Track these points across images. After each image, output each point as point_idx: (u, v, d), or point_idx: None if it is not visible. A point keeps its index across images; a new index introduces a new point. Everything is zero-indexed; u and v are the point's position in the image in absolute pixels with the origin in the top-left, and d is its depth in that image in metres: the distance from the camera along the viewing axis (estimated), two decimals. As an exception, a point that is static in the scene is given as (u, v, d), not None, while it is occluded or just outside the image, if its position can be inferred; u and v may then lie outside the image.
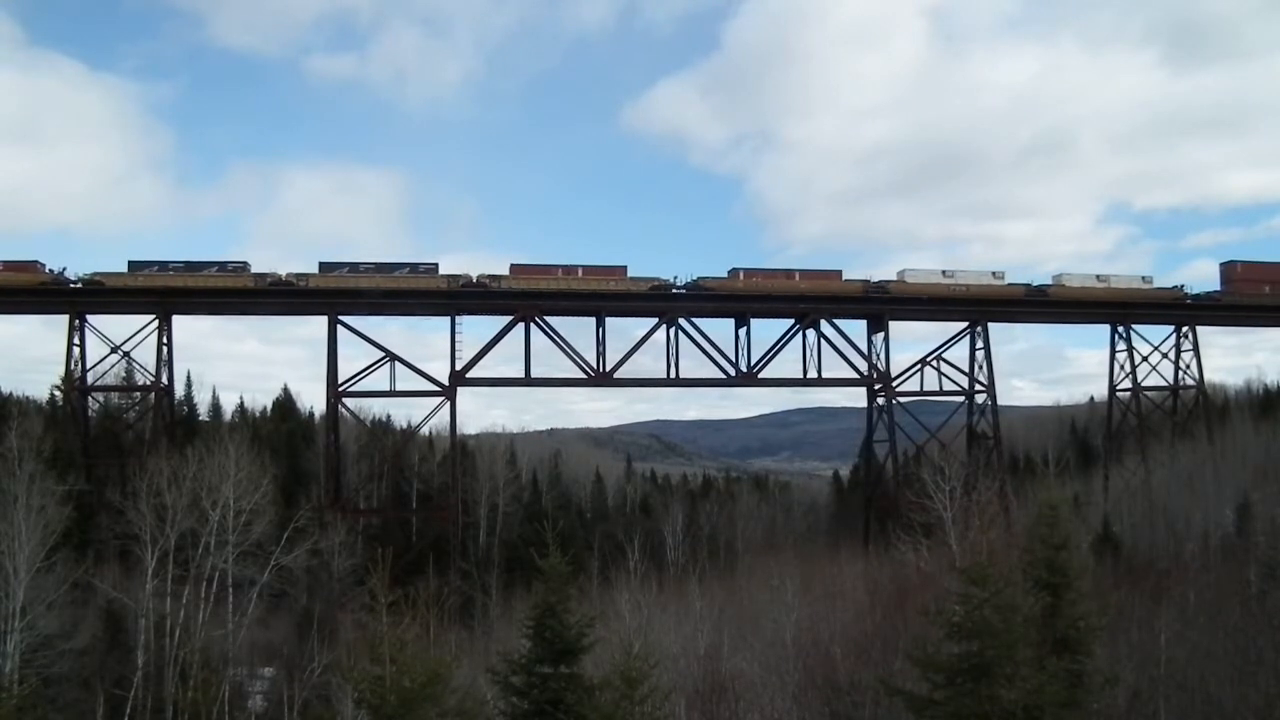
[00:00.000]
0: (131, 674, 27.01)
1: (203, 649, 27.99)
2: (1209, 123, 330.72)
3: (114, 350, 55.45)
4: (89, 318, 55.32)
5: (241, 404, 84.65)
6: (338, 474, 58.91)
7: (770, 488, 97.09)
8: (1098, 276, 65.48)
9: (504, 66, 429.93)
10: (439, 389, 56.86)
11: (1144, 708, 19.78)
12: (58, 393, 57.85)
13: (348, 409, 58.50)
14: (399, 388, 57.19)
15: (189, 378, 75.08)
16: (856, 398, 67.27)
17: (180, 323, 58.53)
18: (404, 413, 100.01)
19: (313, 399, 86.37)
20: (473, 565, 56.47)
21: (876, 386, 62.49)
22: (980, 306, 62.89)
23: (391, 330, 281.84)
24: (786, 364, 68.95)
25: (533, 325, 57.20)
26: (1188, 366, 66.41)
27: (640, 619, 26.56)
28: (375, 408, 71.98)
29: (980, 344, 62.67)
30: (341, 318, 56.26)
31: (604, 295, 58.40)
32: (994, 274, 63.64)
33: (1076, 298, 64.35)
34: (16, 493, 26.42)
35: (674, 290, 58.98)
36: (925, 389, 63.69)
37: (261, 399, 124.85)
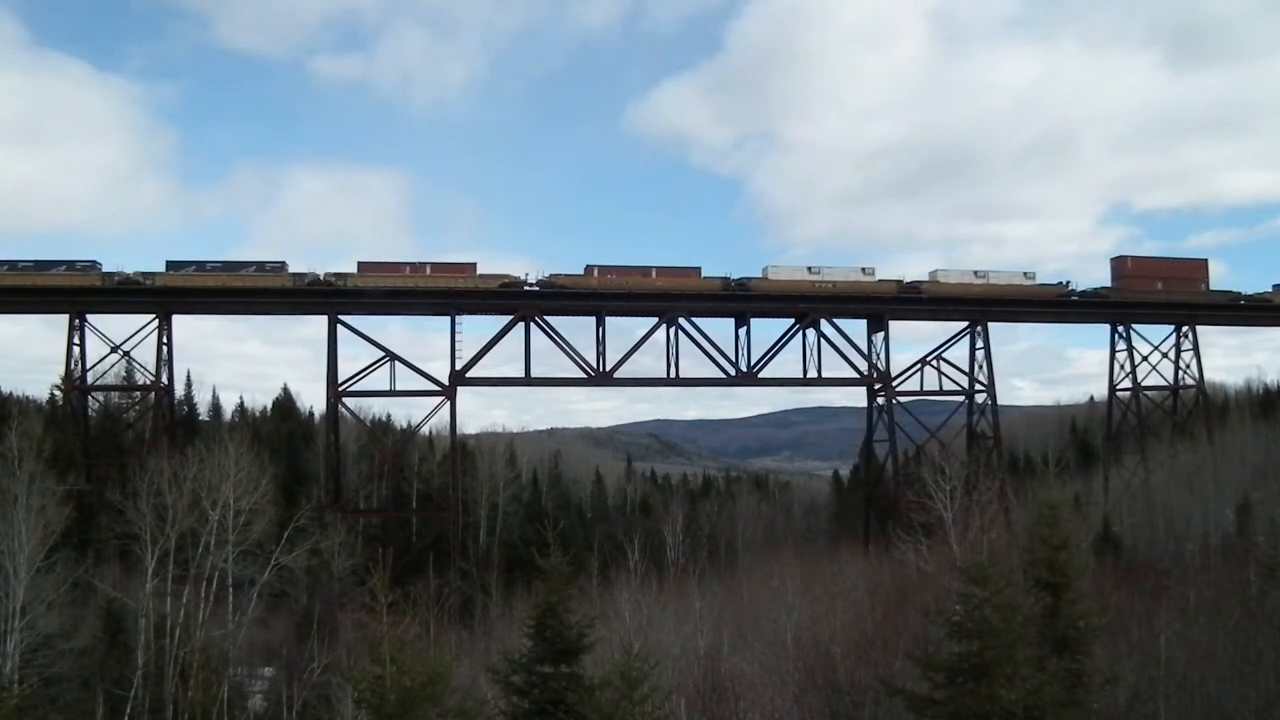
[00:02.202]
0: (131, 674, 27.00)
1: (203, 649, 27.93)
2: (1210, 124, 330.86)
3: (114, 350, 55.53)
4: (89, 318, 55.32)
5: (241, 404, 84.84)
6: (338, 474, 58.91)
7: (770, 488, 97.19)
8: (975, 272, 63.80)
9: (508, 67, 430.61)
10: (439, 389, 56.86)
11: (1144, 708, 19.76)
12: (58, 393, 57.80)
13: (348, 409, 58.51)
14: (399, 387, 57.25)
15: (189, 378, 75.36)
16: (856, 398, 67.42)
17: (181, 322, 58.58)
18: (404, 413, 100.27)
19: (313, 399, 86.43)
20: (473, 565, 56.50)
21: (876, 386, 62.50)
22: (980, 307, 62.89)
23: (393, 330, 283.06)
24: (786, 364, 68.98)
25: (533, 325, 57.21)
26: (1188, 366, 66.49)
27: (640, 619, 26.56)
28: (375, 408, 72.22)
29: (980, 344, 62.72)
30: (341, 317, 56.27)
31: (454, 293, 56.80)
32: (863, 269, 62.14)
33: (950, 294, 62.60)
34: (16, 493, 26.40)
35: (527, 288, 57.72)
36: (925, 389, 63.70)
37: (262, 399, 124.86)
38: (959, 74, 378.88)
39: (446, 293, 57.18)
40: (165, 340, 55.12)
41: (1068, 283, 65.71)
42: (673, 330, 58.93)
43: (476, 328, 67.06)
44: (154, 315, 54.88)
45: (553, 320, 57.92)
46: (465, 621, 45.16)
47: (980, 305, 62.83)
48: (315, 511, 47.12)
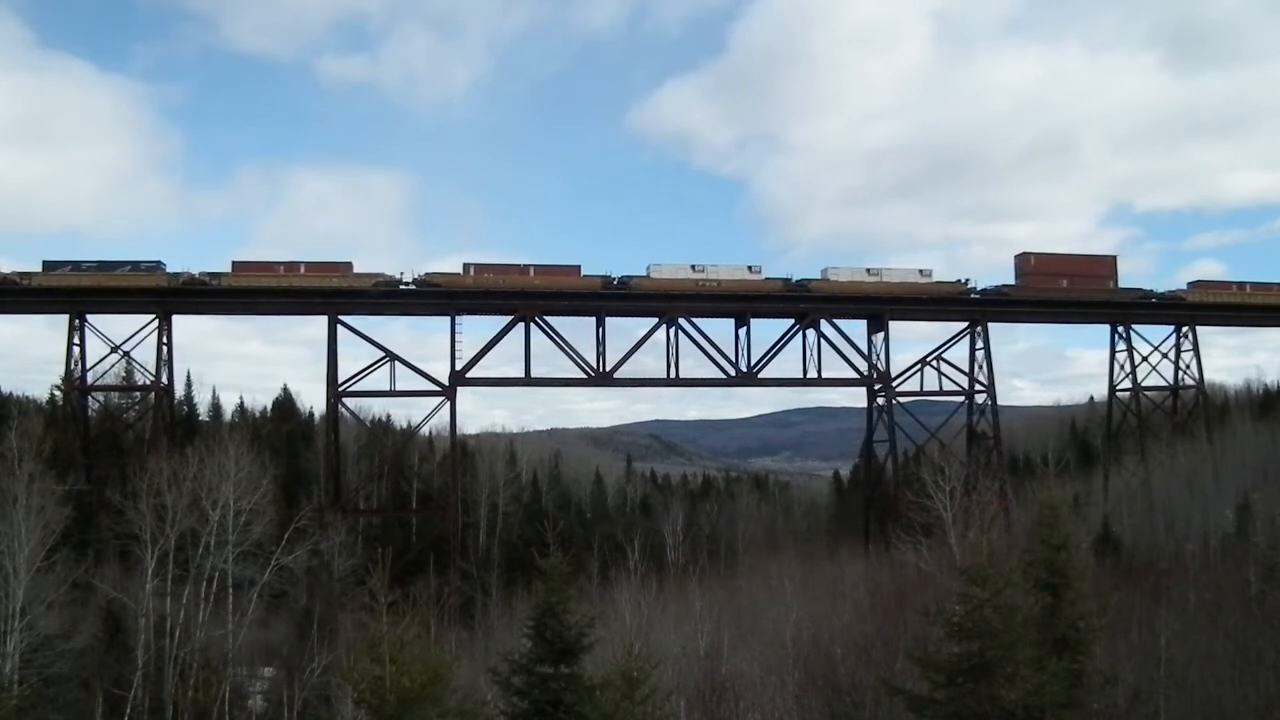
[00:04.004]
0: (131, 674, 26.97)
1: (203, 649, 27.94)
2: (1211, 125, 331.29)
3: (114, 350, 55.47)
4: (89, 318, 55.31)
5: (241, 404, 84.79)
6: (338, 474, 58.86)
7: (770, 488, 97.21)
8: (868, 270, 62.24)
9: (513, 69, 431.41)
10: (439, 389, 56.83)
11: (1144, 708, 19.77)
12: (58, 393, 57.80)
13: (348, 409, 58.47)
14: (399, 388, 57.13)
15: (189, 378, 75.28)
16: (856, 398, 67.26)
17: (183, 323, 58.44)
18: (404, 413, 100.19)
19: (313, 399, 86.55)
20: (473, 565, 56.45)
21: (876, 386, 62.47)
22: (980, 307, 62.85)
23: (393, 330, 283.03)
24: (786, 364, 69.06)
25: (533, 325, 57.19)
26: (1188, 366, 66.42)
27: (640, 619, 26.54)
28: (375, 408, 72.07)
29: (980, 344, 62.68)
30: (341, 318, 56.25)
31: (329, 292, 56.07)
32: (750, 268, 60.41)
33: (840, 292, 60.75)
34: (16, 493, 26.34)
35: (401, 286, 56.87)
36: (925, 389, 63.63)
37: (262, 399, 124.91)
38: (961, 75, 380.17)
39: (447, 293, 57.16)
40: (165, 340, 55.09)
41: (967, 280, 63.71)
42: (673, 330, 58.93)
43: (477, 328, 67.26)
44: (154, 315, 54.87)
45: (553, 320, 57.93)
46: (465, 621, 45.15)
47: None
48: (315, 512, 47.09)
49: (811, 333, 61.05)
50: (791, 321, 61.09)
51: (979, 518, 29.14)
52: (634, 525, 63.80)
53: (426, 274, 57.20)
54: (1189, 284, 67.99)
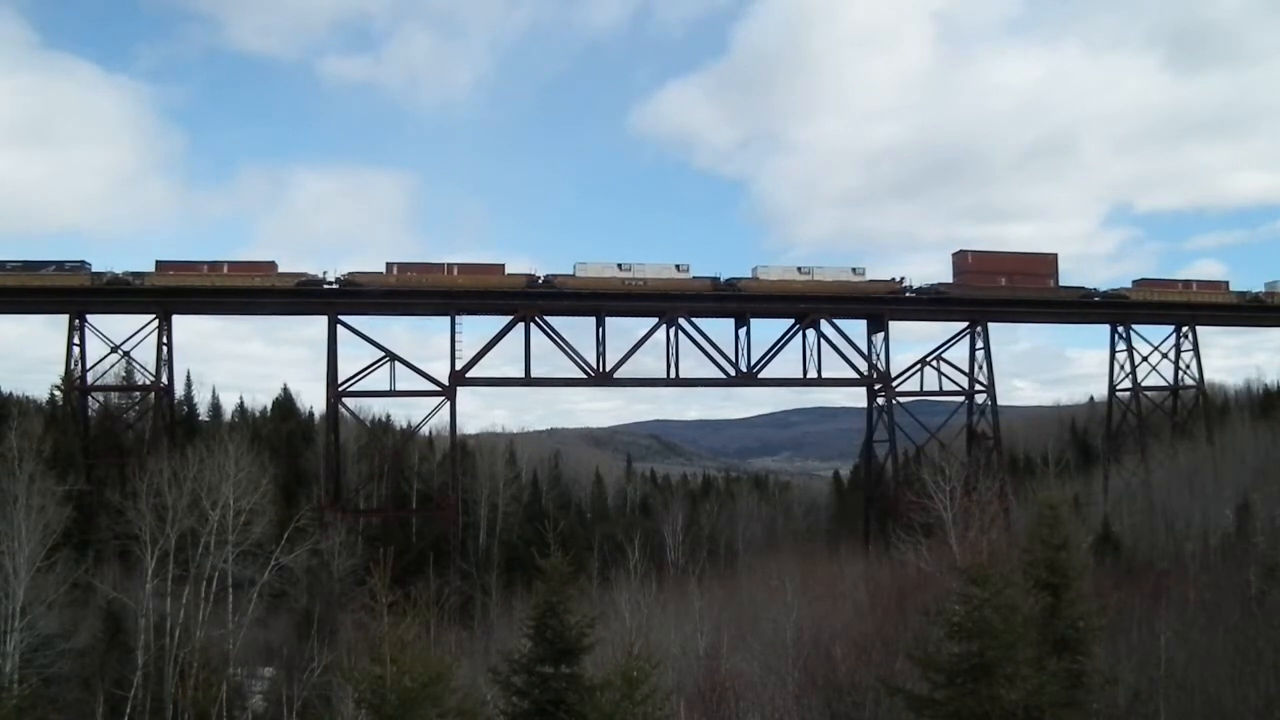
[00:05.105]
0: (131, 674, 26.99)
1: (203, 649, 27.91)
2: (1212, 125, 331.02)
3: (114, 350, 55.49)
4: (89, 318, 55.31)
5: (241, 404, 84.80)
6: (338, 474, 58.89)
7: (770, 488, 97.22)
8: (799, 269, 61.60)
9: (515, 69, 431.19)
10: (439, 389, 56.84)
11: (1144, 708, 19.77)
12: (58, 393, 57.81)
13: (348, 409, 58.47)
14: (399, 388, 57.14)
15: (189, 378, 75.31)
16: (856, 398, 67.22)
17: (184, 322, 58.40)
18: (404, 413, 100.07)
19: (313, 399, 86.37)
20: (473, 565, 56.50)
21: (876, 386, 62.48)
22: (980, 307, 62.86)
23: (393, 330, 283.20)
24: (787, 364, 69.01)
25: (533, 325, 57.20)
26: (1187, 366, 66.48)
27: (640, 619, 26.57)
28: (375, 408, 72.11)
29: (980, 344, 62.69)
30: (341, 317, 56.26)
31: (252, 291, 55.87)
32: (678, 267, 59.67)
33: (768, 291, 60.10)
34: (16, 493, 26.37)
35: (325, 285, 56.36)
36: (925, 389, 63.64)
37: (262, 399, 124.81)
38: (962, 76, 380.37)
39: (447, 293, 57.15)
40: (165, 340, 55.11)
41: (902, 279, 62.86)
42: (673, 330, 58.92)
43: (477, 328, 67.27)
44: (154, 315, 54.87)
45: (553, 320, 57.92)
46: (465, 622, 45.13)
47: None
48: (315, 512, 47.11)
49: (811, 333, 61.11)
50: (791, 321, 61.15)
51: (979, 518, 29.26)
52: (634, 525, 63.77)
53: (349, 273, 56.77)
54: (1133, 282, 67.43)
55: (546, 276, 58.33)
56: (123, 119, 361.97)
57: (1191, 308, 66.34)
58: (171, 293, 55.06)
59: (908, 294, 62.57)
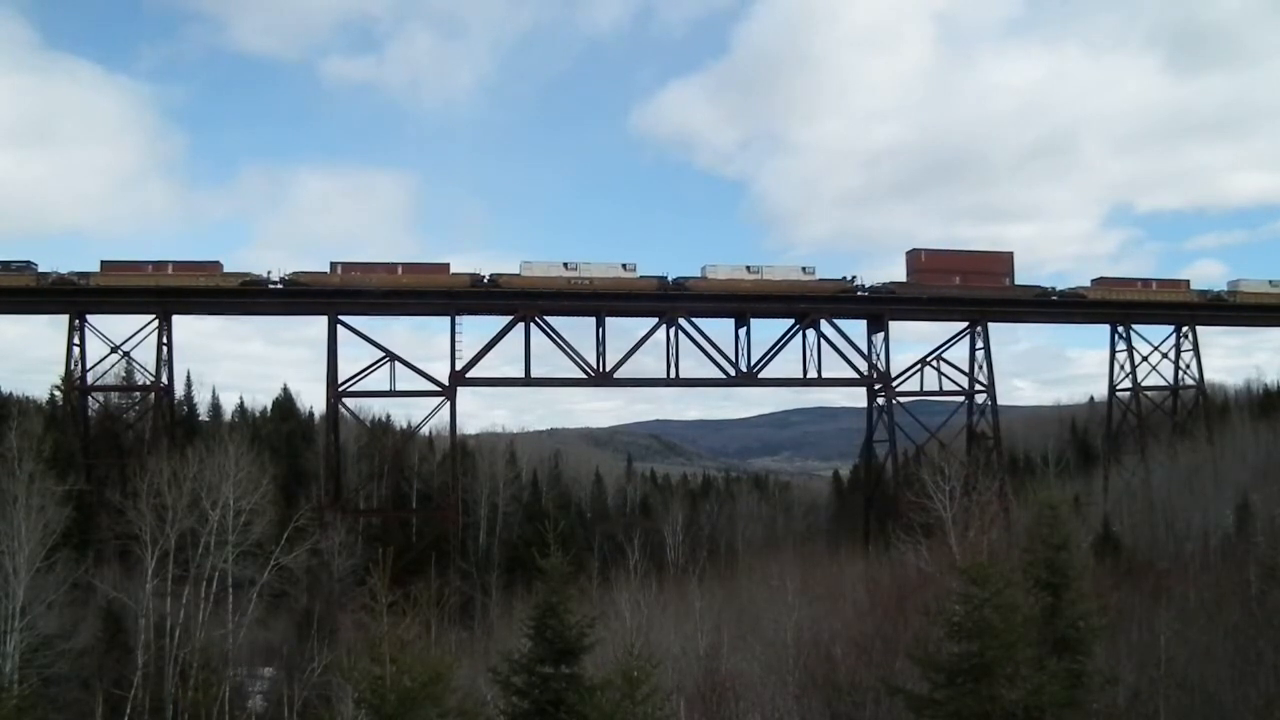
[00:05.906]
0: (131, 674, 26.99)
1: (203, 649, 27.94)
2: (1212, 126, 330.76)
3: (114, 350, 55.47)
4: (89, 318, 55.30)
5: (241, 404, 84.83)
6: (338, 474, 58.88)
7: (770, 488, 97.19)
8: (748, 268, 60.77)
9: (517, 69, 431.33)
10: (439, 389, 56.84)
11: (1144, 708, 19.77)
12: (58, 393, 57.80)
13: (348, 409, 58.47)
14: (399, 388, 57.14)
15: (189, 378, 75.27)
16: (856, 398, 67.24)
17: (184, 323, 58.31)
18: (404, 413, 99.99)
19: (313, 399, 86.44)
20: (473, 565, 56.49)
21: (876, 386, 62.47)
22: (980, 307, 62.85)
23: (393, 330, 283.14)
24: (787, 364, 68.96)
25: (533, 325, 57.18)
26: (1188, 366, 66.48)
27: (640, 619, 26.58)
28: (375, 408, 72.09)
29: (980, 344, 62.69)
30: (342, 317, 56.25)
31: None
32: (624, 266, 59.04)
33: (712, 290, 59.26)
34: (16, 493, 26.38)
35: (270, 285, 56.05)
36: (925, 389, 63.65)
37: (262, 399, 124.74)
38: (962, 76, 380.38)
39: (447, 293, 57.13)
40: (165, 340, 55.10)
41: (854, 278, 62.33)
42: (673, 330, 58.91)
43: (477, 328, 67.24)
44: (154, 315, 54.87)
45: (553, 320, 57.90)
46: (465, 621, 45.17)
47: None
48: (315, 511, 47.12)
49: (811, 333, 61.09)
50: (791, 321, 61.15)
51: (979, 518, 29.25)
52: (634, 525, 63.68)
53: (294, 273, 56.52)
54: (1092, 280, 67.04)
55: (491, 276, 57.97)
56: (124, 119, 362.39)
57: (1192, 308, 66.35)
58: (171, 293, 55.08)
59: (858, 293, 61.86)
